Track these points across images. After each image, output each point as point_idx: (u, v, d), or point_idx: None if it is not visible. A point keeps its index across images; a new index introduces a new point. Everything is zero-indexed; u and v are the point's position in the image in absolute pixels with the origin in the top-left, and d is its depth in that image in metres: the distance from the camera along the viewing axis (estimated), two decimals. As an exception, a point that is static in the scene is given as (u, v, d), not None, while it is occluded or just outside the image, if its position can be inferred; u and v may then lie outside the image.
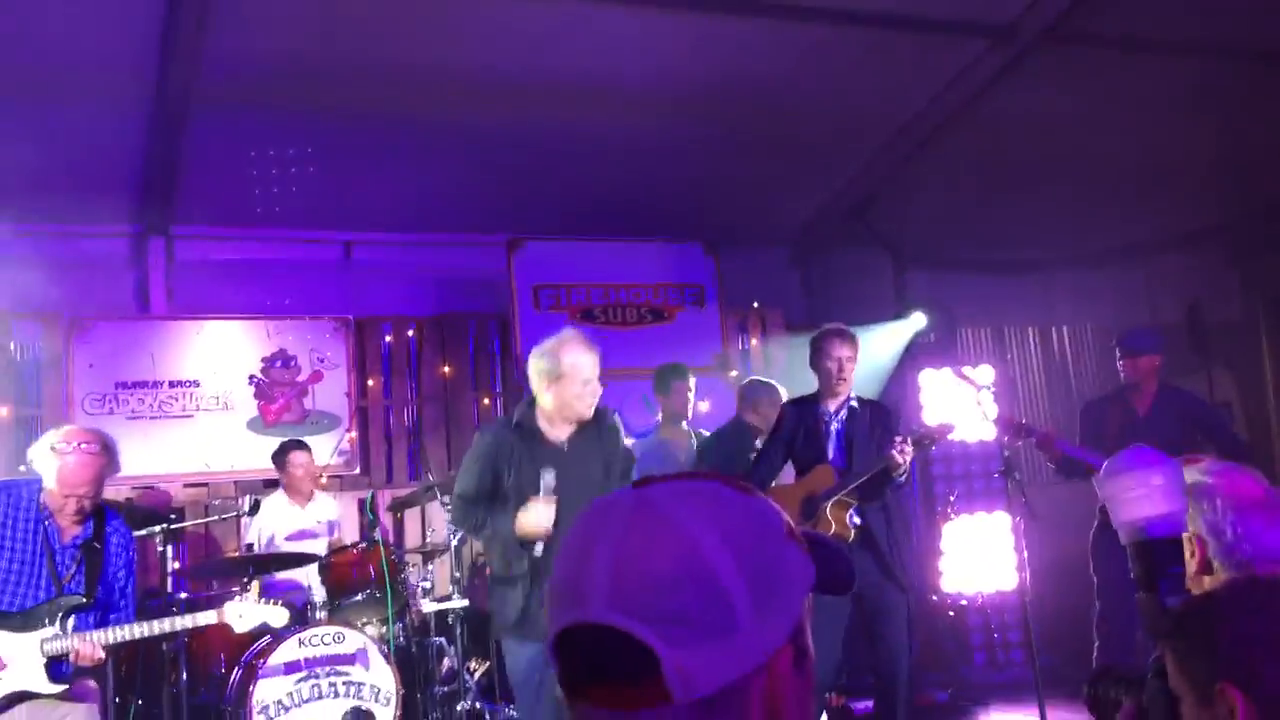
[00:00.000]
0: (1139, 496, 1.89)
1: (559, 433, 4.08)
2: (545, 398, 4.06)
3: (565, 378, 3.98)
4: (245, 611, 4.16)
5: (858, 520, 4.76)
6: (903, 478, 4.75)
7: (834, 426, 4.97)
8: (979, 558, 7.59)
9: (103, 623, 3.80)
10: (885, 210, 8.23)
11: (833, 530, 4.66)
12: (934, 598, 7.58)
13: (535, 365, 4.07)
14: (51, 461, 3.66)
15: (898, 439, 4.69)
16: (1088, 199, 8.22)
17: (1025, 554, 5.51)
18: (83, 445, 3.68)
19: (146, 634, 3.88)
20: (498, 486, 4.06)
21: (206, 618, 4.08)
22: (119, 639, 3.78)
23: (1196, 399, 5.67)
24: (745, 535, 0.91)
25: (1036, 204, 8.23)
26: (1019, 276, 9.30)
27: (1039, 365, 9.56)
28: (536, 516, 3.86)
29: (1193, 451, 5.08)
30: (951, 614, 7.54)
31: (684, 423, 5.95)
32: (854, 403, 5.00)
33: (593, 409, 4.06)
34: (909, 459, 4.68)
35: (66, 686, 3.70)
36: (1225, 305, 8.95)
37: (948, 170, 7.85)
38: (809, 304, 8.93)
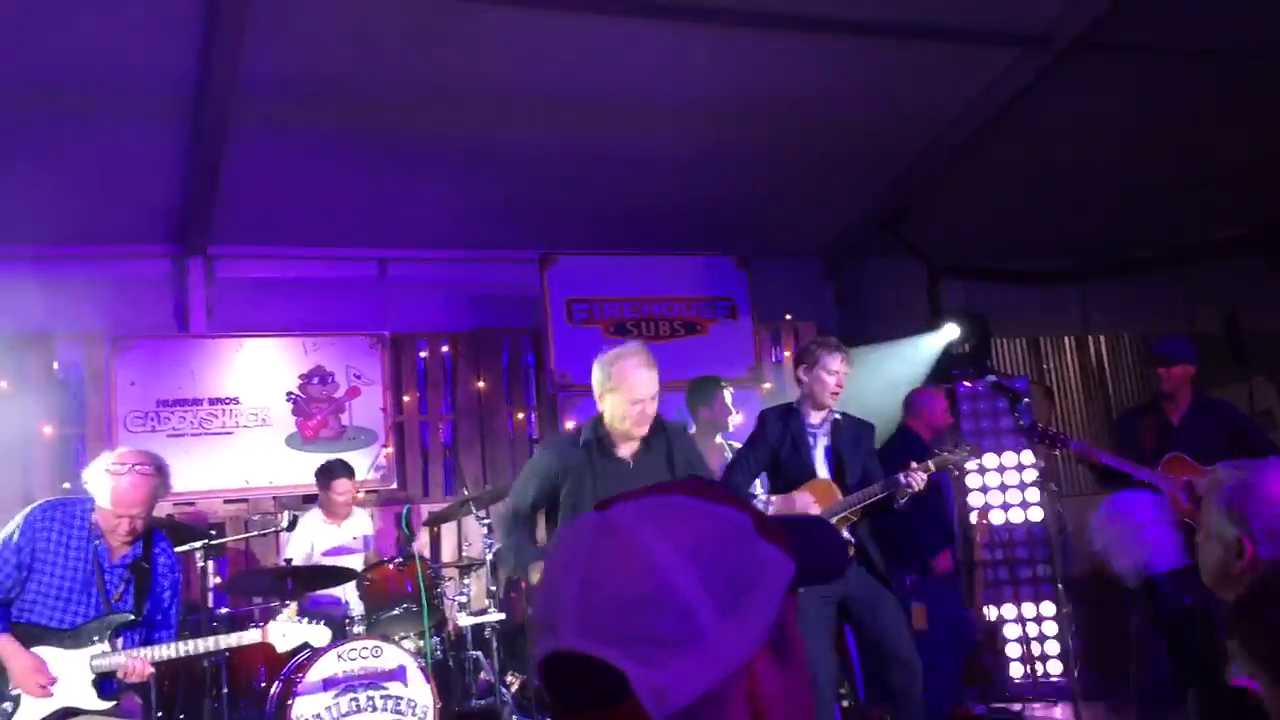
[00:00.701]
0: (1131, 540, 1.90)
1: (624, 448, 4.07)
2: (603, 408, 4.09)
3: (615, 392, 4.00)
4: (288, 631, 4.21)
5: (851, 538, 4.75)
6: (902, 502, 4.70)
7: (821, 440, 4.92)
8: (1016, 570, 7.53)
9: (147, 641, 3.86)
10: (918, 220, 8.20)
11: None
12: (971, 609, 7.53)
13: (595, 373, 4.11)
14: (106, 482, 3.73)
15: (914, 465, 4.67)
16: (1123, 207, 8.17)
17: (1063, 566, 5.47)
18: (136, 467, 3.75)
19: (193, 652, 3.94)
20: (555, 502, 4.07)
21: (251, 637, 4.14)
22: (167, 656, 3.84)
23: (1231, 407, 5.62)
24: (706, 544, 0.92)
25: (1071, 212, 8.19)
26: (1054, 286, 9.23)
27: (1075, 375, 9.49)
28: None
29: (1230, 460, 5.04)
30: (990, 624, 7.48)
31: (719, 436, 5.95)
32: (837, 416, 4.96)
33: (643, 428, 4.03)
34: (919, 486, 4.64)
35: (115, 703, 3.76)
36: (1266, 313, 8.85)
37: (981, 180, 7.82)
38: (842, 315, 8.91)
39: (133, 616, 3.79)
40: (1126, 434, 5.54)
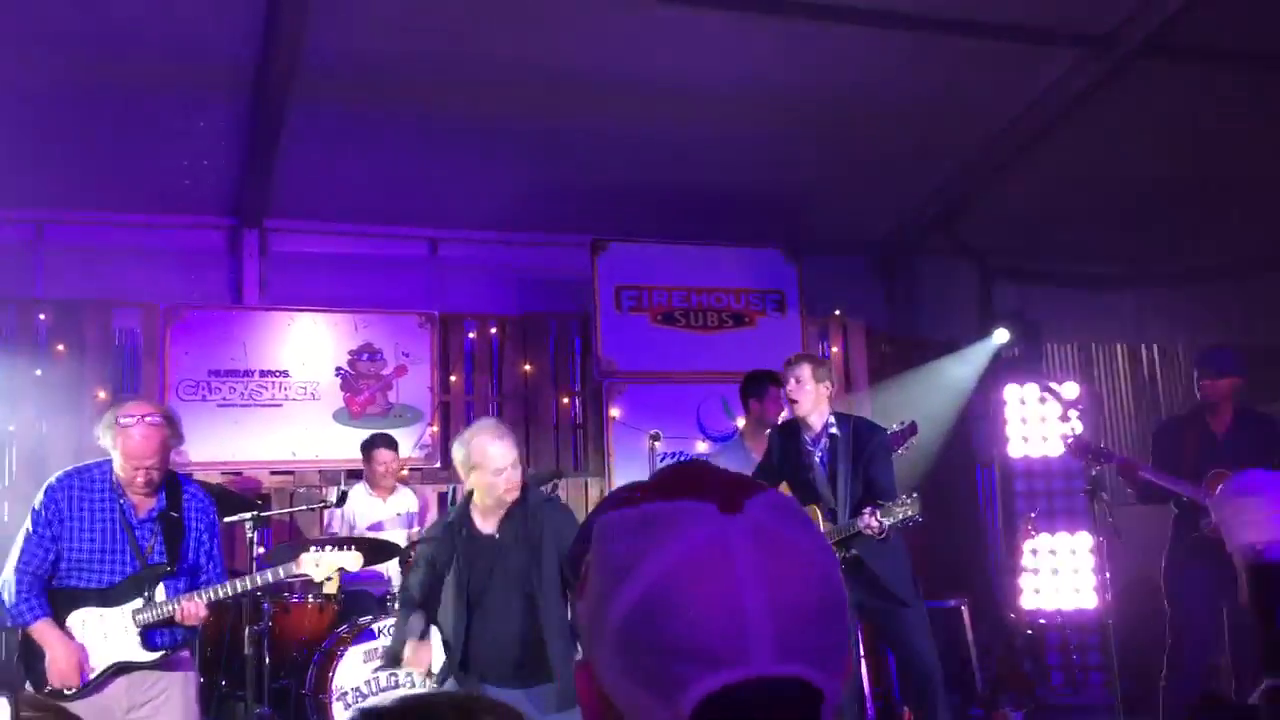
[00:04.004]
0: (1258, 520, 1.85)
1: (489, 523, 4.10)
2: (469, 485, 4.14)
3: (479, 468, 4.03)
4: (321, 560, 4.25)
5: (848, 551, 4.67)
6: (883, 537, 4.56)
7: (817, 455, 4.83)
8: (1059, 576, 7.46)
9: (192, 586, 3.90)
10: (973, 220, 8.13)
11: None
12: (1011, 615, 7.47)
13: (454, 454, 4.17)
14: (117, 436, 3.75)
15: (866, 509, 4.52)
16: (1183, 214, 8.04)
17: (1108, 574, 5.41)
18: (146, 418, 3.76)
19: (240, 590, 4.00)
20: (439, 585, 4.14)
21: (287, 569, 4.19)
22: (218, 597, 3.90)
23: (1276, 423, 5.53)
24: (829, 544, 0.91)
25: (1129, 217, 8.07)
26: (1109, 291, 9.11)
27: (1126, 383, 9.36)
28: (413, 660, 4.01)
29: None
30: (1029, 632, 7.41)
31: (769, 430, 5.93)
32: (834, 429, 4.82)
33: (513, 493, 4.04)
34: (879, 531, 4.50)
35: (163, 654, 3.82)
36: (1326, 328, 8.68)
37: (1038, 181, 7.73)
38: (892, 313, 8.85)
39: (168, 568, 3.83)
40: (1168, 445, 5.45)
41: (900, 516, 4.53)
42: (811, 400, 4.80)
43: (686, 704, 0.81)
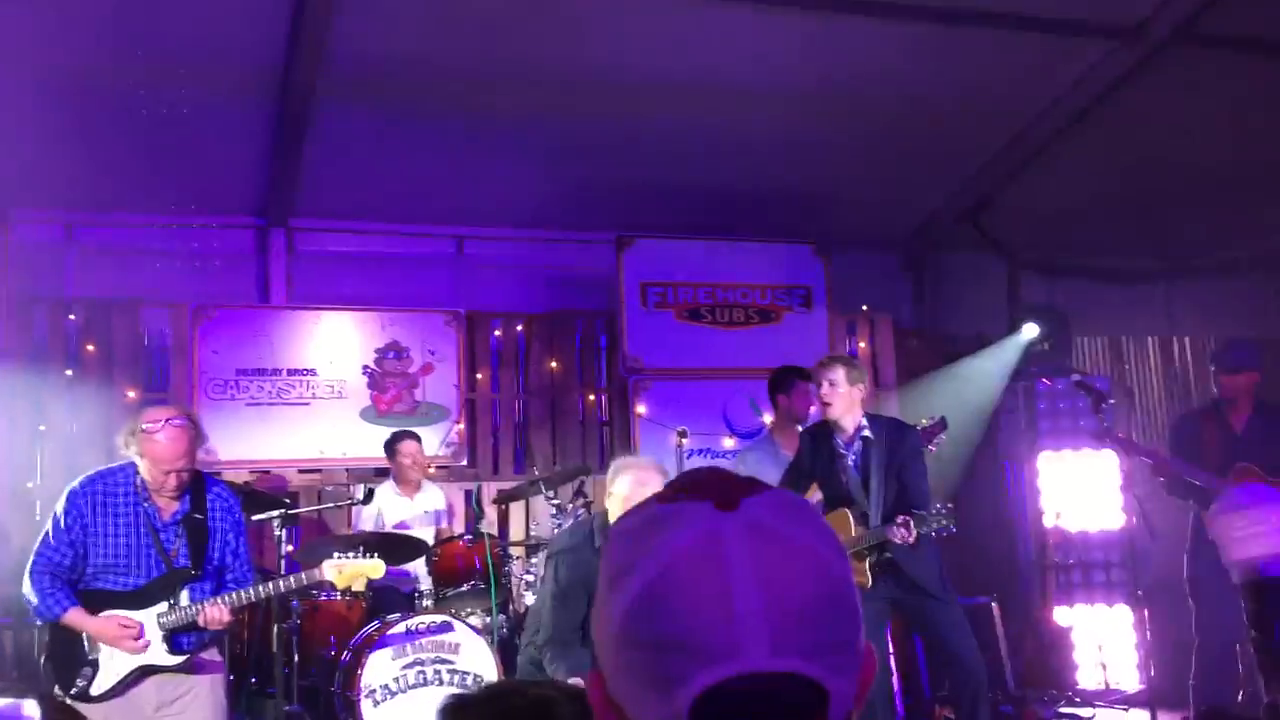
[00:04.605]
0: (1252, 535, 1.83)
1: None
2: (608, 508, 4.19)
3: (614, 498, 4.10)
4: (344, 566, 4.26)
5: (876, 568, 4.67)
6: (908, 544, 4.53)
7: (850, 459, 4.77)
8: (1089, 573, 7.39)
9: (219, 588, 3.92)
10: (1001, 214, 8.06)
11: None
12: (1043, 610, 7.42)
13: (608, 475, 4.23)
14: (144, 443, 3.76)
15: (899, 519, 4.49)
16: (1215, 206, 7.94)
17: (1139, 570, 5.36)
18: (170, 421, 3.77)
19: (263, 595, 4.04)
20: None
21: (310, 575, 4.21)
22: (241, 602, 3.92)
23: None
24: (839, 543, 0.89)
25: (1160, 210, 7.99)
26: (1139, 284, 9.02)
27: (1158, 377, 9.27)
28: None
29: None
30: (1061, 627, 7.36)
31: (799, 426, 5.91)
32: (866, 431, 4.76)
33: None
34: (909, 540, 4.48)
35: (187, 657, 3.84)
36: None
37: (1068, 174, 7.66)
38: (919, 308, 8.79)
39: (193, 571, 3.84)
40: (1188, 439, 5.41)
41: (934, 527, 4.53)
42: (845, 403, 4.74)
43: (684, 700, 0.80)
